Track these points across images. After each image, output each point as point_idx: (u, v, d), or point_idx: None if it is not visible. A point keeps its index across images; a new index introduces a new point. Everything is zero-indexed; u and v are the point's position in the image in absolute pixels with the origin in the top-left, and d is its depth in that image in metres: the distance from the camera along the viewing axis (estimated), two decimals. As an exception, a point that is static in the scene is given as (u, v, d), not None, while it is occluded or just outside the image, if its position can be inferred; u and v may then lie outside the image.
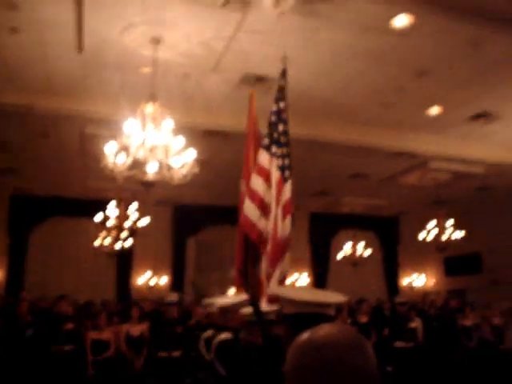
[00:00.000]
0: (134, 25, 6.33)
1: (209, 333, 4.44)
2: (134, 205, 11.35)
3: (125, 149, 5.91)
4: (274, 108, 4.70)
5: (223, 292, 16.52)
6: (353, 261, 15.50)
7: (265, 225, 4.37)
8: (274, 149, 4.51)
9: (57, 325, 7.67)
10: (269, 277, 4.18)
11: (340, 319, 7.44)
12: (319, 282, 16.38)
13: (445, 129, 9.97)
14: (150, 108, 6.11)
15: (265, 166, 4.47)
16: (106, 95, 8.12)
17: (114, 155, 5.87)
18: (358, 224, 16.64)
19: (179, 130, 6.24)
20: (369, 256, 15.74)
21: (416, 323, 9.48)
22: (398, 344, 8.76)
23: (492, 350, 9.31)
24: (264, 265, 4.29)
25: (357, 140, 9.80)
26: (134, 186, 6.19)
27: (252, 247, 4.50)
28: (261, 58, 7.15)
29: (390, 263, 17.91)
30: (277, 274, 4.16)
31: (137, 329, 8.03)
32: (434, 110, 9.08)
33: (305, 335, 1.16)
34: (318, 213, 16.52)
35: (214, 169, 11.17)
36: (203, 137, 9.21)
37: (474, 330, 9.72)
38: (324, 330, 1.16)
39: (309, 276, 16.49)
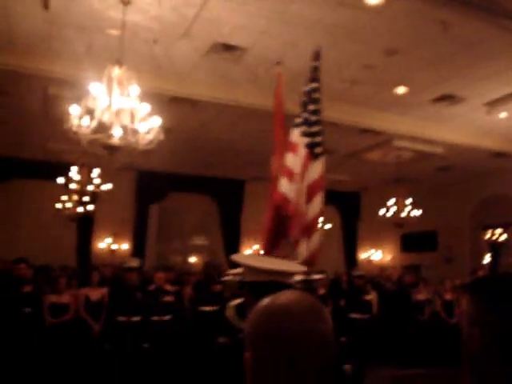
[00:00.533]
0: (103, -16, 6.16)
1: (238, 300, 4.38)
2: (97, 170, 11.20)
3: (89, 112, 5.78)
4: (306, 88, 4.84)
5: (184, 260, 16.66)
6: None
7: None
8: (304, 127, 4.67)
9: (16, 287, 7.60)
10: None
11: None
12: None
13: (410, 108, 10.13)
14: (116, 71, 5.97)
15: (296, 143, 4.65)
16: (72, 56, 7.89)
17: (78, 118, 5.75)
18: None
19: (146, 95, 6.15)
20: (329, 230, 16.03)
21: (372, 296, 9.78)
22: (354, 315, 9.01)
23: (442, 323, 9.70)
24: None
25: (323, 115, 9.82)
26: (98, 151, 6.07)
27: (283, 222, 4.54)
28: (232, 27, 7.07)
29: (350, 237, 18.27)
30: (302, 249, 4.33)
31: (96, 293, 8.02)
32: (401, 90, 9.20)
33: (264, 301, 1.18)
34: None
35: (180, 136, 11.07)
36: (170, 104, 9.10)
37: (427, 304, 10.08)
38: (283, 296, 1.18)
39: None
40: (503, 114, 10.34)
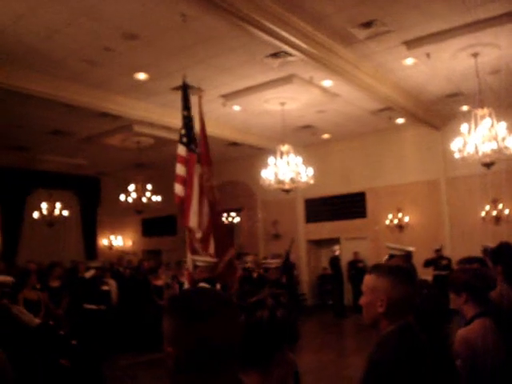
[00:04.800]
0: None
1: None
2: None
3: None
4: (184, 114, 6.05)
5: None
6: (49, 221, 14.74)
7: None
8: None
9: None
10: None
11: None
12: (10, 243, 15.08)
13: (150, 95, 10.12)
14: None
15: (181, 155, 5.91)
16: None
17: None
18: (56, 183, 15.83)
19: None
20: (67, 217, 15.21)
21: (110, 286, 9.55)
22: (89, 306, 8.61)
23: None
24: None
25: (59, 95, 9.16)
26: None
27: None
28: None
29: (89, 224, 17.63)
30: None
31: None
32: (141, 76, 9.10)
33: None
34: (12, 169, 15.06)
35: None
36: None
37: (166, 288, 10.28)
38: None
39: (-3, 238, 15.02)
40: (237, 108, 11.11)
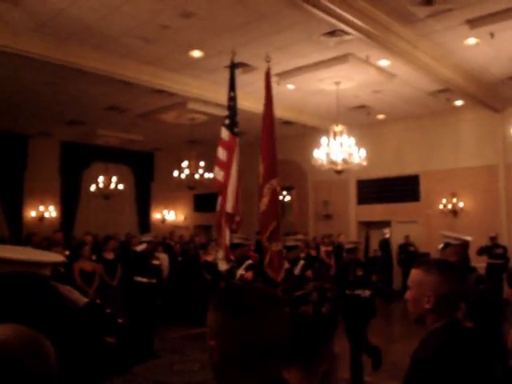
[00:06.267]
0: None
1: None
2: None
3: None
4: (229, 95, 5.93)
5: None
6: (105, 194, 15.19)
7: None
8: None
9: None
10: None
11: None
12: (68, 215, 15.66)
13: (205, 72, 10.16)
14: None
15: (224, 139, 5.79)
16: None
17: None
18: (112, 157, 16.25)
19: None
20: (122, 190, 15.61)
21: (161, 260, 9.76)
22: (140, 279, 8.83)
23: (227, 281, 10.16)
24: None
25: (115, 72, 9.34)
26: None
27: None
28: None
29: (143, 198, 18.04)
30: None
31: None
32: (196, 53, 9.14)
33: None
34: (71, 142, 15.58)
35: None
36: None
37: (216, 264, 10.41)
38: None
39: (56, 209, 15.60)
40: (291, 86, 11.01)
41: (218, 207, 5.66)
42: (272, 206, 5.38)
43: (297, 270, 6.48)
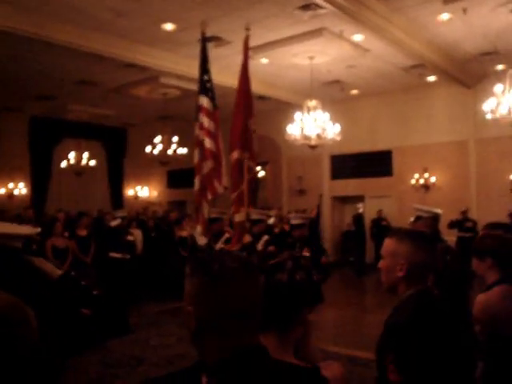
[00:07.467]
0: None
1: None
2: None
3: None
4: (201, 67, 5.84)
5: None
6: (77, 171, 14.98)
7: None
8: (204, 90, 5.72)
9: None
10: None
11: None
12: (39, 192, 15.40)
13: (178, 46, 9.99)
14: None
15: (206, 107, 5.63)
16: None
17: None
18: (83, 133, 15.97)
19: None
20: (94, 166, 15.42)
21: (135, 236, 9.72)
22: (114, 255, 8.80)
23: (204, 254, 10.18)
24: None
25: (86, 45, 9.12)
26: None
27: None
28: None
29: (116, 174, 17.85)
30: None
31: None
32: (168, 26, 8.97)
33: None
34: (41, 117, 15.23)
35: None
36: None
37: (189, 239, 10.42)
38: None
39: (26, 186, 15.32)
40: (264, 60, 10.92)
41: (198, 181, 5.48)
42: (233, 176, 5.35)
43: (259, 245, 6.43)
